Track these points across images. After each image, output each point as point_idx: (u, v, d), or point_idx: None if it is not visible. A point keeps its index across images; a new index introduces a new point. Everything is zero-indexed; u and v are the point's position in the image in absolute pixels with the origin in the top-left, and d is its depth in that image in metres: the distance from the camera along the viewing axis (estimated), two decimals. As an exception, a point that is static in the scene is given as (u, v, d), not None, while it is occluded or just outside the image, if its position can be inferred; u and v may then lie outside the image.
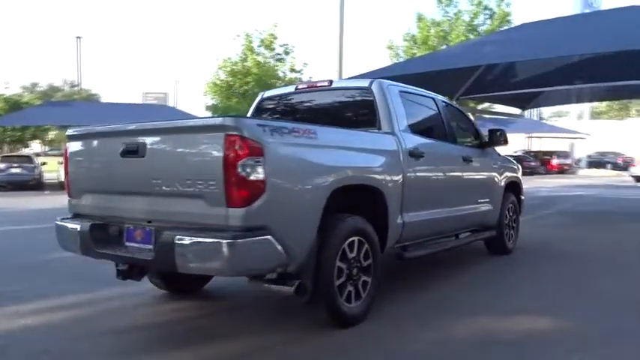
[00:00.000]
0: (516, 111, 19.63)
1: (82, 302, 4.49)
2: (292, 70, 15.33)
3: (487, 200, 5.93)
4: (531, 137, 41.43)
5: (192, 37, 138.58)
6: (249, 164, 2.99)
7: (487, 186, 6.02)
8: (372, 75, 12.34)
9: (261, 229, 3.06)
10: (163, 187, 3.33)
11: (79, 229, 3.75)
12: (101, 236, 3.71)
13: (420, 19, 18.34)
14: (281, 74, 15.20)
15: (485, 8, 17.56)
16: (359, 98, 4.74)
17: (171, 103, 55.41)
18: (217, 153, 3.03)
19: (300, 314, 3.97)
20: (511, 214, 6.54)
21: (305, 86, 5.15)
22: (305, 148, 3.44)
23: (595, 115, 50.26)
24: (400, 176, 4.29)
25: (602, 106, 53.31)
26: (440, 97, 5.55)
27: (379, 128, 4.40)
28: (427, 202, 4.73)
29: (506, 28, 11.89)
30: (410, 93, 4.96)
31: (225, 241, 2.95)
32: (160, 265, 3.56)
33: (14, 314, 4.09)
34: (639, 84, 12.21)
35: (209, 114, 31.21)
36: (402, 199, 4.30)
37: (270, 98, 5.39)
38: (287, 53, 15.25)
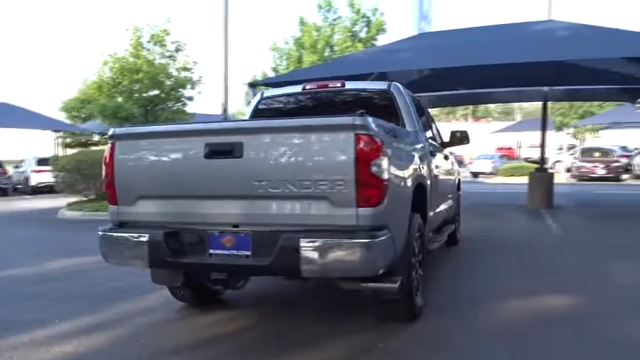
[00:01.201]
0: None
1: (105, 322, 3.99)
2: (184, 69, 14.60)
3: (451, 196, 6.52)
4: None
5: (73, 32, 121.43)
6: (379, 164, 2.99)
7: (452, 183, 6.63)
8: (288, 77, 12.55)
9: (384, 227, 3.10)
10: (269, 190, 3.14)
11: (147, 239, 3.34)
12: (176, 245, 3.38)
13: (302, 22, 18.90)
14: (174, 72, 14.35)
15: (364, 16, 18.77)
16: (378, 99, 4.90)
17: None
18: (347, 153, 2.96)
19: (352, 312, 4.07)
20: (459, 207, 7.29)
21: (314, 86, 5.13)
22: (399, 148, 3.55)
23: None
24: (429, 173, 4.60)
25: (433, 111, 60.12)
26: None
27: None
28: (437, 198, 5.11)
29: (408, 37, 12.82)
30: (412, 95, 5.28)
31: (363, 240, 2.94)
32: (275, 271, 3.34)
33: (38, 343, 3.52)
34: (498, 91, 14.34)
35: (65, 114, 28.64)
36: (430, 196, 4.62)
37: (271, 98, 5.28)
38: (178, 50, 14.50)
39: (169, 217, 3.43)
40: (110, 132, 3.58)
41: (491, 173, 27.77)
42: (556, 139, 38.70)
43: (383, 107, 4.80)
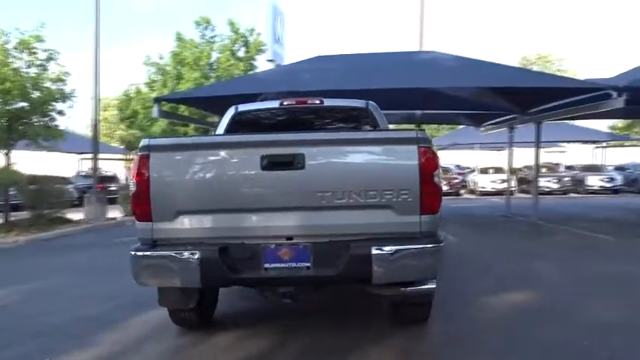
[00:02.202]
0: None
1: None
2: (58, 80, 13.13)
3: None
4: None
5: None
6: (438, 174, 3.32)
7: None
8: (197, 93, 12.25)
9: (436, 233, 3.41)
10: (335, 201, 3.26)
11: (199, 257, 3.21)
12: (229, 262, 3.28)
13: (179, 38, 18.36)
14: (46, 84, 12.79)
15: (243, 36, 18.86)
16: (357, 115, 5.19)
17: None
18: (412, 164, 3.22)
19: (359, 317, 4.45)
20: None
21: (293, 102, 5.24)
22: None
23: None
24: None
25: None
26: None
27: None
28: None
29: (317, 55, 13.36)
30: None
31: (433, 246, 3.23)
32: (343, 280, 3.41)
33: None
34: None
35: None
36: None
37: (247, 112, 5.28)
38: (51, 59, 13.01)
39: (215, 233, 3.36)
40: (144, 143, 3.35)
41: None
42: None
43: (364, 123, 5.10)
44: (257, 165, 3.27)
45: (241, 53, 18.90)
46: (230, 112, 5.29)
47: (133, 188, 3.40)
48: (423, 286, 3.65)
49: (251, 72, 18.66)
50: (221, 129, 5.25)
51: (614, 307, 4.82)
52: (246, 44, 19.00)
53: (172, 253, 3.27)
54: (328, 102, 5.26)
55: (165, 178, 3.34)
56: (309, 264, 3.31)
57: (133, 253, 3.34)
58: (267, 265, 3.33)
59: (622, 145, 35.74)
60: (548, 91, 10.83)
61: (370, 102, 5.27)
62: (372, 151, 3.35)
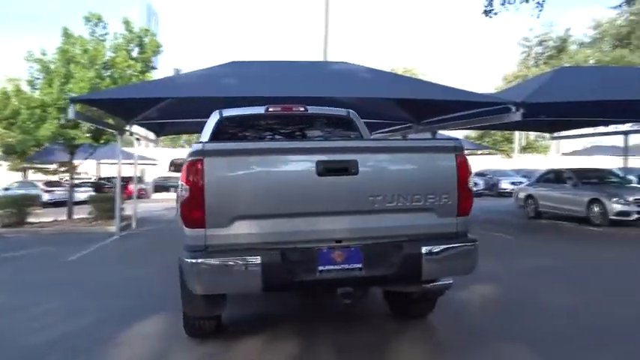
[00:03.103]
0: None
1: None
2: None
3: None
4: (101, 163, 41.40)
5: None
6: (471, 180, 3.68)
7: None
8: (116, 94, 11.41)
9: (468, 233, 3.75)
10: (386, 204, 3.44)
11: (261, 262, 3.19)
12: (288, 265, 3.31)
13: (66, 34, 16.80)
14: None
15: (138, 36, 17.81)
16: (340, 123, 5.39)
17: None
18: (451, 170, 3.54)
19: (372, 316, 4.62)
20: None
21: (278, 109, 5.28)
22: None
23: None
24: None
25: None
26: None
27: None
28: None
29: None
30: None
31: (472, 244, 3.57)
32: (395, 280, 3.54)
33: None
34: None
35: None
36: None
37: (232, 118, 5.22)
38: None
39: (270, 238, 3.38)
40: (197, 147, 3.24)
41: None
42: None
43: (347, 129, 5.32)
44: (313, 171, 3.33)
45: (135, 54, 17.88)
46: (215, 117, 5.19)
47: (184, 194, 3.27)
48: (445, 282, 3.96)
49: (149, 74, 17.76)
50: (206, 134, 5.12)
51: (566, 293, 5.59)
52: (141, 45, 18.00)
53: (235, 259, 3.21)
54: (312, 109, 5.38)
55: (220, 183, 3.26)
56: (360, 265, 3.44)
57: (193, 261, 3.21)
58: (321, 268, 3.39)
59: (474, 154, 40.05)
60: (456, 104, 11.89)
61: (350, 110, 5.50)
62: (417, 158, 3.61)
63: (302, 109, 5.35)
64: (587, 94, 12.42)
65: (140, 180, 37.92)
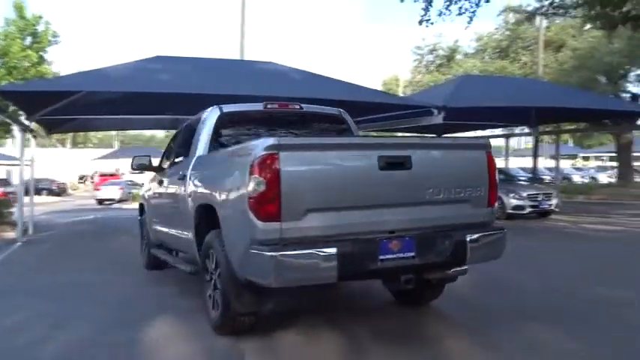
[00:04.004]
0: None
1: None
2: None
3: None
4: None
5: None
6: (497, 175, 4.10)
7: None
8: (44, 86, 10.34)
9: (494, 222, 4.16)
10: (435, 197, 3.73)
11: (336, 252, 3.31)
12: (356, 255, 3.45)
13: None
14: None
15: (32, 25, 16.22)
16: (333, 121, 5.55)
17: None
18: (484, 166, 3.95)
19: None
20: None
21: (275, 106, 5.30)
22: None
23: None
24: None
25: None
26: None
27: None
28: None
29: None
30: None
31: (503, 232, 3.97)
32: (446, 265, 3.77)
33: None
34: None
35: None
36: None
37: (232, 114, 5.15)
38: None
39: (339, 229, 3.50)
40: (272, 142, 3.26)
41: (121, 200, 27.34)
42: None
43: (339, 127, 5.50)
44: (375, 165, 3.52)
45: (28, 42, 16.31)
46: (215, 112, 5.07)
47: (258, 188, 3.25)
48: (463, 268, 4.32)
49: (46, 67, 16.36)
50: (207, 129, 5.00)
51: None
52: (34, 34, 16.48)
53: (314, 251, 3.28)
54: (306, 107, 5.49)
55: (294, 177, 3.32)
56: (414, 253, 3.67)
57: (272, 254, 3.21)
58: (382, 257, 3.55)
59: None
60: (383, 106, 12.52)
61: (341, 109, 5.69)
62: (456, 154, 3.98)
63: (297, 107, 5.43)
64: (491, 101, 13.80)
65: (6, 182, 34.16)
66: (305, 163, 3.41)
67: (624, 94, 23.98)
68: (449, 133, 18.68)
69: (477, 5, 13.31)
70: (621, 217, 13.92)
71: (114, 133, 62.99)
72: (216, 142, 4.96)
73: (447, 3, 13.70)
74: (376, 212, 3.61)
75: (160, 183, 6.21)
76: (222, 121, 5.05)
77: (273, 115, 5.38)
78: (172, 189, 5.56)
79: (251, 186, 3.33)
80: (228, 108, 5.18)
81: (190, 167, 4.90)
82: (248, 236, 3.40)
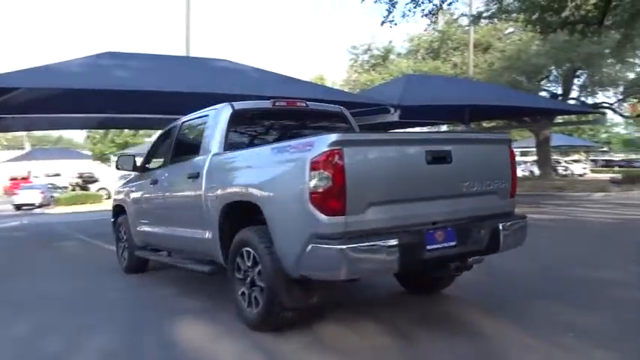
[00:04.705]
0: None
1: None
2: None
3: None
4: None
5: None
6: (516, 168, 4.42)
7: None
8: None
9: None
10: (472, 189, 4.00)
11: (397, 243, 3.47)
12: (414, 246, 3.62)
13: None
14: None
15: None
16: (335, 119, 5.66)
17: None
18: (507, 159, 4.28)
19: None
20: None
21: (284, 104, 5.34)
22: None
23: None
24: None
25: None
26: None
27: None
28: None
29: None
30: None
31: (525, 220, 4.31)
32: (483, 252, 4.00)
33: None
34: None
35: None
36: None
37: (244, 111, 5.14)
38: None
39: (395, 221, 3.67)
40: (334, 137, 3.36)
41: (42, 205, 25.63)
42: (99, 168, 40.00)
43: (341, 124, 5.64)
44: (423, 159, 3.71)
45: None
46: (227, 110, 5.01)
47: (322, 183, 3.33)
48: (481, 256, 4.60)
49: None
50: (220, 127, 4.94)
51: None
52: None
53: (379, 243, 3.41)
54: (312, 105, 5.57)
55: (357, 171, 3.44)
56: (455, 243, 3.89)
57: (341, 247, 3.30)
58: (429, 247, 3.74)
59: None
60: (345, 104, 12.66)
61: (342, 107, 5.82)
62: (485, 148, 4.28)
63: (303, 104, 5.49)
64: (436, 99, 14.46)
65: None
66: (365, 158, 3.53)
67: (545, 93, 25.97)
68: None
69: (441, 7, 13.84)
70: (555, 207, 14.99)
71: (24, 133, 59.00)
72: (230, 139, 4.92)
73: (413, 4, 14.11)
74: (422, 205, 3.80)
75: (154, 183, 6.02)
76: (235, 118, 5.01)
77: (281, 113, 5.42)
78: (178, 188, 5.43)
79: (315, 181, 3.39)
80: (240, 105, 5.15)
81: (206, 165, 4.82)
82: (308, 231, 3.46)
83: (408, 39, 32.94)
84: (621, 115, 30.58)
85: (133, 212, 6.72)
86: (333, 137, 3.40)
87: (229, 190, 4.44)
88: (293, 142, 3.75)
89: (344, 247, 3.30)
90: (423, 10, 14.25)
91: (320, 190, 3.37)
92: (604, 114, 23.76)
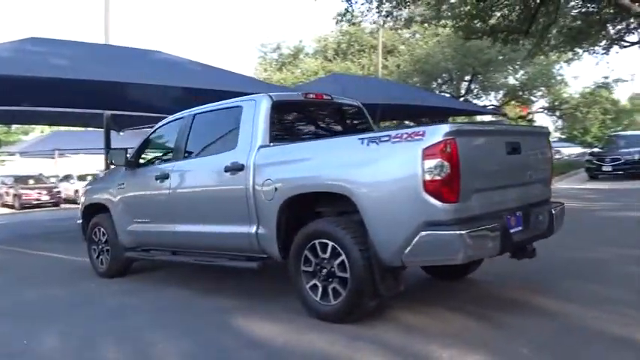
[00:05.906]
0: None
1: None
2: None
3: None
4: None
5: None
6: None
7: None
8: None
9: None
10: (530, 178, 4.41)
11: (499, 227, 3.72)
12: (507, 230, 3.89)
13: None
14: None
15: None
16: (354, 112, 5.80)
17: None
18: (548, 150, 4.79)
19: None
20: None
21: (313, 96, 5.33)
22: None
23: None
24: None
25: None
26: None
27: None
28: None
29: None
30: None
31: (564, 205, 4.77)
32: (541, 236, 4.37)
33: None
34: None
35: None
36: None
37: (283, 102, 5.07)
38: None
39: (490, 208, 3.91)
40: (448, 128, 3.50)
41: None
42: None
43: (359, 118, 5.82)
44: (504, 150, 4.04)
45: None
46: (267, 101, 4.86)
47: (440, 172, 3.44)
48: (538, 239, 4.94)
49: None
50: (263, 118, 4.78)
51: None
52: None
53: (488, 227, 3.63)
54: (336, 98, 5.65)
55: (467, 160, 3.62)
56: (522, 227, 4.21)
57: (462, 232, 3.44)
58: (511, 231, 4.01)
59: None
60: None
61: (358, 101, 5.94)
62: (536, 139, 4.72)
63: (329, 97, 5.49)
64: (364, 99, 14.87)
65: None
66: (471, 148, 3.73)
67: (446, 94, 27.98)
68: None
69: (399, 6, 14.20)
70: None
71: None
72: (273, 130, 4.80)
73: (368, 5, 14.33)
74: (502, 192, 4.11)
75: (163, 178, 5.60)
76: (275, 109, 4.90)
77: (311, 104, 5.44)
78: (209, 183, 5.16)
79: (430, 170, 3.47)
80: (277, 97, 5.04)
81: (253, 158, 4.64)
82: (420, 218, 3.54)
83: (315, 39, 33.53)
84: (505, 116, 34.02)
85: (123, 211, 6.21)
86: (447, 128, 3.53)
87: (295, 183, 4.33)
88: (392, 132, 3.77)
89: (463, 232, 3.44)
90: (380, 11, 14.47)
91: (436, 178, 3.46)
92: (505, 115, 26.30)
